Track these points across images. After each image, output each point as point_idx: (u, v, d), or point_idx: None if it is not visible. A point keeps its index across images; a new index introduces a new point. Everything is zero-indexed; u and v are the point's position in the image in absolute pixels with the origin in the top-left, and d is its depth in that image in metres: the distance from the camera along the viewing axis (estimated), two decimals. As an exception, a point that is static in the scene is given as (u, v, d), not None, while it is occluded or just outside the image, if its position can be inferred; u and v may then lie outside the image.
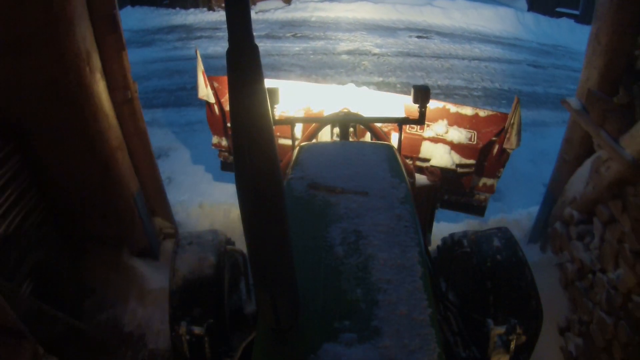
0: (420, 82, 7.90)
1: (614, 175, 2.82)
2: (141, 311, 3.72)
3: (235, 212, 4.21)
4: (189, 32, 10.39)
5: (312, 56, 8.94)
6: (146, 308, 3.74)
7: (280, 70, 8.13)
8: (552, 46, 10.28)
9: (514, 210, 4.59)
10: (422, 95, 2.70)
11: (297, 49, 9.33)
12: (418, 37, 10.23)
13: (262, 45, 9.21)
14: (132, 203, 3.62)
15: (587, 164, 3.27)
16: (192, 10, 11.60)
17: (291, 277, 1.29)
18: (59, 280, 3.32)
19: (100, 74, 3.16)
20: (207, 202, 4.37)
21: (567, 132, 3.61)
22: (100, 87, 3.16)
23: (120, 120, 3.46)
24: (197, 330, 1.95)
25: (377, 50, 9.30)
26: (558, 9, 11.74)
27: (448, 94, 7.46)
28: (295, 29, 10.51)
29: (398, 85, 7.72)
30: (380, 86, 7.67)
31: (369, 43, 9.69)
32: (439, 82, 7.91)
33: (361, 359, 1.34)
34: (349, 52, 9.18)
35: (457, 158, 3.54)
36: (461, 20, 11.23)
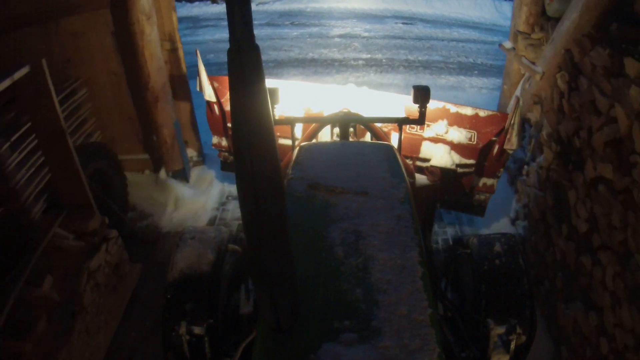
0: (403, 58, 8.95)
1: (534, 88, 3.89)
2: (176, 216, 4.58)
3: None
4: (195, 22, 11.40)
5: (308, 39, 10.00)
6: (180, 214, 4.59)
7: (280, 50, 9.18)
8: (526, 30, 11.30)
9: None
10: (422, 95, 2.69)
11: (295, 34, 10.38)
12: (403, 23, 11.28)
13: (264, 32, 10.26)
14: (174, 131, 4.63)
15: (519, 87, 4.33)
16: (197, 3, 12.61)
17: (291, 278, 1.30)
18: (109, 189, 4.12)
19: (156, 27, 4.17)
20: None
21: (505, 67, 4.69)
22: (156, 37, 4.17)
23: (168, 64, 4.48)
24: (197, 330, 1.97)
25: (366, 34, 10.36)
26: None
27: (427, 67, 8.54)
28: (292, 18, 11.56)
29: (384, 60, 8.79)
30: (368, 61, 8.74)
31: (359, 28, 10.75)
32: (419, 58, 8.97)
33: (361, 359, 1.33)
34: (341, 36, 10.23)
35: (457, 158, 3.54)
36: (443, 8, 12.31)
